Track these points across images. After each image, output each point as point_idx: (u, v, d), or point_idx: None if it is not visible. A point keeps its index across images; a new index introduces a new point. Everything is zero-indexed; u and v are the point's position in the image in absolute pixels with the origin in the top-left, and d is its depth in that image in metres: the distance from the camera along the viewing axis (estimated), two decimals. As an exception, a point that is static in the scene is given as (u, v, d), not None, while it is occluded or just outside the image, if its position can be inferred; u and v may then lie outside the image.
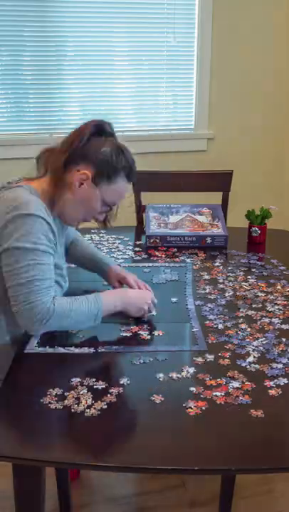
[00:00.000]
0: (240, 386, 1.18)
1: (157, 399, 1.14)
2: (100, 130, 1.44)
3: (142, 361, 1.28)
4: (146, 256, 1.94)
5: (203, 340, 1.38)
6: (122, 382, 1.19)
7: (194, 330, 1.43)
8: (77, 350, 1.32)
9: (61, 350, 1.32)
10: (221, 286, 1.70)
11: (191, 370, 1.24)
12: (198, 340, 1.38)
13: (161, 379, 1.21)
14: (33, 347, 1.33)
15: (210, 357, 1.30)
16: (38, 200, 1.38)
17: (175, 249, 1.99)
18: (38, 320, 1.31)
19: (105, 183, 1.42)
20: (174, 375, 1.22)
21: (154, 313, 1.49)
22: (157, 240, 2.02)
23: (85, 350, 1.32)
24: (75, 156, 1.41)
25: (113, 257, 1.92)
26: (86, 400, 1.13)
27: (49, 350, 1.32)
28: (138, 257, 1.93)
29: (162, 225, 2.08)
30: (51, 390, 1.16)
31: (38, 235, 1.33)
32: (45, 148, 1.48)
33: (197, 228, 2.06)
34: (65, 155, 1.41)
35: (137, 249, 2.01)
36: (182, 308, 1.56)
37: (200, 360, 1.29)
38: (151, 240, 2.02)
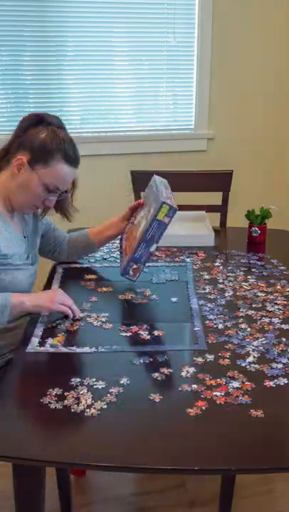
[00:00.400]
0: (240, 386, 1.18)
1: (157, 398, 1.14)
2: (38, 121, 1.52)
3: (141, 361, 1.28)
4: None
5: (203, 339, 1.38)
6: (122, 382, 1.19)
7: (196, 329, 1.43)
8: (78, 350, 1.32)
9: (62, 349, 1.32)
10: (221, 286, 1.70)
11: (191, 370, 1.24)
12: (199, 340, 1.38)
13: (161, 379, 1.21)
14: (34, 346, 1.33)
15: (210, 357, 1.30)
16: None
17: (175, 249, 1.99)
18: None
19: (41, 166, 1.48)
20: (174, 375, 1.22)
21: (75, 315, 1.47)
22: None
23: (86, 349, 1.32)
24: (13, 145, 1.51)
25: (113, 256, 1.92)
26: (86, 400, 1.13)
27: (50, 349, 1.32)
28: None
29: None
30: (51, 390, 1.16)
31: None
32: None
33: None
34: (6, 146, 1.53)
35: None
36: (183, 308, 1.56)
37: (200, 360, 1.29)
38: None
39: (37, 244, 1.70)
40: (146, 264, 1.85)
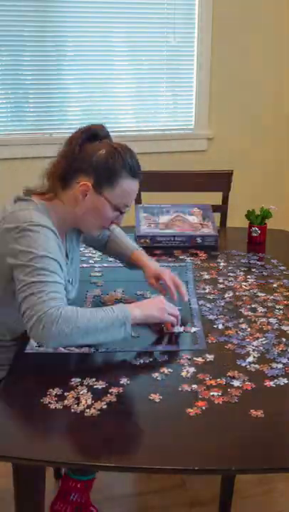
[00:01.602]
0: (240, 386, 1.18)
1: (157, 398, 1.14)
2: (90, 135, 1.39)
3: (141, 361, 1.28)
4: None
5: (203, 339, 1.38)
6: (122, 382, 1.19)
7: (196, 329, 1.43)
8: (77, 350, 1.32)
9: (61, 350, 1.31)
10: (221, 286, 1.70)
11: (191, 370, 1.24)
12: (199, 340, 1.38)
13: (161, 379, 1.21)
14: (33, 347, 1.33)
15: (210, 357, 1.30)
16: (46, 219, 1.35)
17: (176, 250, 1.99)
18: (46, 327, 1.21)
19: (108, 188, 1.37)
20: (174, 375, 1.22)
21: (179, 329, 1.41)
22: (148, 240, 2.01)
23: (85, 350, 1.32)
24: (70, 168, 1.37)
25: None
26: (86, 400, 1.13)
27: (49, 350, 1.32)
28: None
29: (152, 225, 2.07)
30: (51, 389, 1.16)
31: (48, 245, 1.30)
32: (51, 162, 1.43)
33: (187, 228, 2.06)
34: (60, 170, 1.38)
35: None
36: (183, 308, 1.55)
37: (200, 360, 1.29)
38: (142, 241, 1.99)
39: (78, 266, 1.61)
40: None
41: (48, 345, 1.28)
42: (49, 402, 1.12)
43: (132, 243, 1.71)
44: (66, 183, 1.38)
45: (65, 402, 1.12)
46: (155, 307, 1.37)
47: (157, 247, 2.00)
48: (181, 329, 1.42)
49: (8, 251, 1.31)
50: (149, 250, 1.91)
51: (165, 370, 1.24)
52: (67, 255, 1.50)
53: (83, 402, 1.12)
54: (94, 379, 1.20)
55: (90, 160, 1.36)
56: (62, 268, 1.35)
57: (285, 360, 1.28)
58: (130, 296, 1.60)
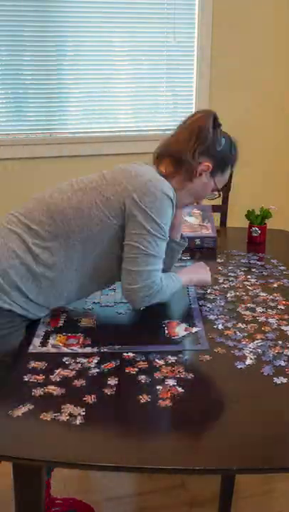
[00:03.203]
0: (240, 386, 1.18)
1: (157, 399, 1.14)
2: (215, 121, 1.53)
3: (143, 361, 1.27)
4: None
5: (205, 339, 1.38)
6: (121, 382, 1.19)
7: (197, 329, 1.43)
8: (80, 350, 1.32)
9: (64, 349, 1.32)
10: (221, 286, 1.70)
11: (191, 370, 1.24)
12: (201, 340, 1.38)
13: (161, 379, 1.21)
14: (36, 347, 1.33)
15: (210, 357, 1.30)
16: (172, 192, 1.47)
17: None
18: (148, 296, 1.43)
19: (220, 173, 1.55)
20: (175, 375, 1.22)
21: (182, 334, 1.43)
22: None
23: (88, 349, 1.32)
24: (203, 148, 1.49)
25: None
26: (86, 400, 1.13)
27: (52, 350, 1.32)
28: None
29: None
30: (51, 389, 1.16)
31: (167, 217, 1.44)
32: (163, 140, 1.59)
33: (186, 230, 2.05)
34: (192, 146, 1.49)
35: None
36: (184, 308, 1.56)
37: (201, 359, 1.29)
38: None
39: None
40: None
41: (140, 306, 1.47)
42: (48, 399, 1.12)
43: None
44: (186, 161, 1.50)
45: (66, 401, 1.12)
46: (205, 272, 1.64)
47: None
48: (185, 333, 1.42)
49: (134, 208, 1.41)
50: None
51: (165, 370, 1.24)
52: None
53: (83, 401, 1.12)
54: (94, 379, 1.20)
55: (215, 145, 1.51)
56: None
57: (284, 360, 1.28)
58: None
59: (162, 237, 1.44)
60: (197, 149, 1.49)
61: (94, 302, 1.59)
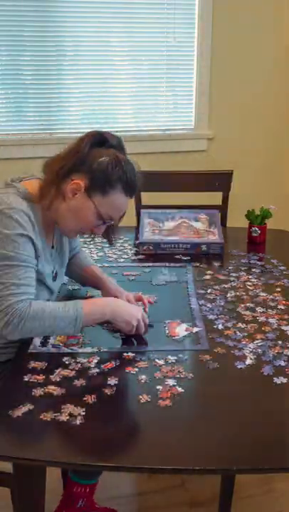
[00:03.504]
0: (239, 386, 1.18)
1: (157, 398, 1.14)
2: (100, 141, 1.39)
3: (143, 361, 1.28)
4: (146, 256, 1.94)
5: (205, 339, 1.38)
6: (121, 382, 1.19)
7: (198, 330, 1.43)
8: (80, 350, 1.32)
9: (64, 349, 1.32)
10: (221, 286, 1.70)
11: (191, 370, 1.24)
12: (201, 340, 1.38)
13: (161, 379, 1.21)
14: (36, 347, 1.33)
15: (210, 357, 1.30)
16: (25, 207, 1.34)
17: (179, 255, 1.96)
18: (14, 324, 1.25)
19: (99, 195, 1.36)
20: (175, 375, 1.22)
21: (184, 334, 1.40)
22: (150, 247, 1.96)
23: (88, 349, 1.32)
24: (71, 165, 1.36)
25: (113, 257, 1.92)
26: (86, 400, 1.13)
27: (52, 350, 1.32)
28: (139, 257, 1.93)
29: (156, 231, 2.03)
30: (51, 389, 1.16)
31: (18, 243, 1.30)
32: (52, 156, 1.44)
33: (193, 235, 2.00)
34: (62, 163, 1.37)
35: (137, 249, 2.01)
36: (184, 308, 1.56)
37: (201, 359, 1.29)
38: (144, 248, 1.96)
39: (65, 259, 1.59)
40: (147, 265, 1.86)
41: (10, 338, 1.29)
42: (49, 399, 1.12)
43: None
44: (61, 178, 1.37)
45: (66, 401, 1.12)
46: (131, 315, 1.37)
47: (161, 254, 1.95)
48: (185, 333, 1.42)
49: None
50: (153, 257, 1.90)
51: (165, 370, 1.24)
52: (52, 246, 1.49)
53: (83, 401, 1.12)
54: (94, 379, 1.20)
55: (91, 163, 1.35)
56: (39, 255, 1.37)
57: (284, 360, 1.28)
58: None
59: (10, 264, 1.29)
60: (67, 164, 1.36)
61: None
